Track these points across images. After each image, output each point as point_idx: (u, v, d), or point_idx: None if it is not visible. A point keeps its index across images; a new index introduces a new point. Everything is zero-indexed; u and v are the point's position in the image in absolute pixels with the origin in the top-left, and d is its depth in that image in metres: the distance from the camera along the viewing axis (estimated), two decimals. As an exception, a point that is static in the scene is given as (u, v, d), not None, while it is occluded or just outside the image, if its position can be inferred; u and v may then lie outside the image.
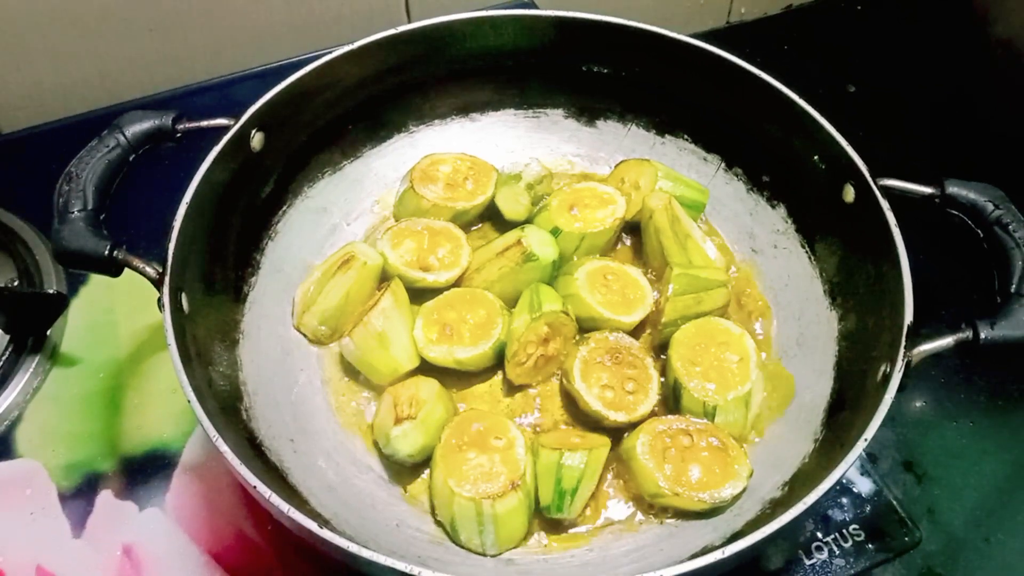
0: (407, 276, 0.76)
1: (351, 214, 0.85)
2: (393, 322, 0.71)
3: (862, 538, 0.71)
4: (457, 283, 0.78)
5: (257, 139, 0.73)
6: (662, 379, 0.72)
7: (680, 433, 0.66)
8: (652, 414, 0.70)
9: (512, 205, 0.83)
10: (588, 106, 0.89)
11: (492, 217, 0.84)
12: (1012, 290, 0.60)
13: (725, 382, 0.69)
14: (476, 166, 0.84)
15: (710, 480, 0.64)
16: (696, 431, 0.67)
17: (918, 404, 0.83)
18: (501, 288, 0.76)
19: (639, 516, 0.67)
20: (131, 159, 0.66)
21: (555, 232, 0.78)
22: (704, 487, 0.64)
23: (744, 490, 0.64)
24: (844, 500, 0.73)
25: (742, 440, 0.70)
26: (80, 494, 0.72)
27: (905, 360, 0.58)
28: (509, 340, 0.71)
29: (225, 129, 0.69)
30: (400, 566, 0.48)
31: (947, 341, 0.59)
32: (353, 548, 0.49)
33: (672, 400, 0.71)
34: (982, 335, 0.58)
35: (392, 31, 0.78)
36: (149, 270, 0.61)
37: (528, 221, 0.82)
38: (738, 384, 0.69)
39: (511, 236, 0.77)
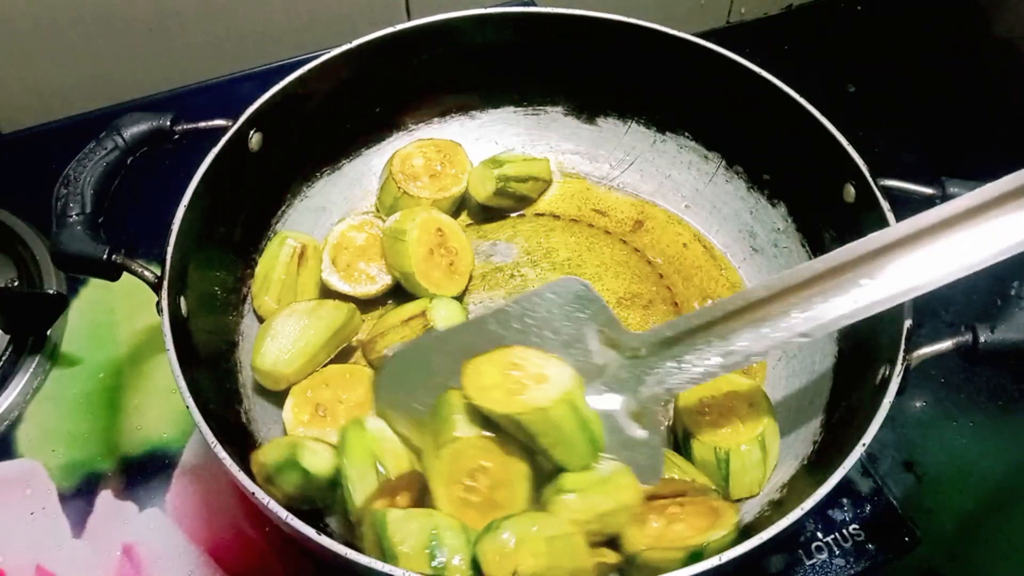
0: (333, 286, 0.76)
1: (350, 213, 0.85)
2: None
3: (862, 538, 0.71)
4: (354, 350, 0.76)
5: (255, 139, 0.73)
6: (671, 426, 0.70)
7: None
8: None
9: (477, 185, 0.83)
10: (588, 104, 0.88)
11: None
12: (1012, 293, 0.60)
13: (738, 429, 0.66)
14: (441, 148, 0.85)
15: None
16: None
17: (918, 404, 0.83)
18: None
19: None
20: (129, 161, 0.66)
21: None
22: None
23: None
24: (844, 500, 0.73)
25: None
26: (80, 494, 0.72)
27: (904, 363, 0.58)
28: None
29: (223, 130, 0.69)
30: (397, 572, 0.48)
31: (946, 344, 0.59)
32: (351, 554, 0.49)
33: (683, 450, 0.68)
34: (981, 338, 0.58)
35: (391, 29, 0.78)
36: (148, 274, 0.61)
37: (492, 207, 0.84)
38: (753, 428, 0.66)
39: (418, 305, 0.74)
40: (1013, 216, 0.53)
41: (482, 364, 0.60)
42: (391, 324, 0.73)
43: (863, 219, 0.68)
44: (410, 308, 0.74)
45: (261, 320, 0.75)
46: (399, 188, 0.81)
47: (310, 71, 0.74)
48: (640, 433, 0.62)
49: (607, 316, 0.63)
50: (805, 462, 0.66)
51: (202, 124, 0.69)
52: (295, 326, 0.70)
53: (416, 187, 0.81)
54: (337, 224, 0.80)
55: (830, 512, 0.72)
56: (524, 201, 0.86)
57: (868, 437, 0.55)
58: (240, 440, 0.64)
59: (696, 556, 0.55)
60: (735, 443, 0.66)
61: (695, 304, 0.80)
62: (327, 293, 0.77)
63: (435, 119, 0.88)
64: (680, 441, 0.69)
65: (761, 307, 0.59)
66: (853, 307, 0.56)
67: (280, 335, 0.69)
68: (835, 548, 0.70)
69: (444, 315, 0.72)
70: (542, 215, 0.87)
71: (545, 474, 0.60)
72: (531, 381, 0.59)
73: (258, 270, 0.76)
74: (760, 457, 0.66)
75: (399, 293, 0.78)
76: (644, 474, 0.60)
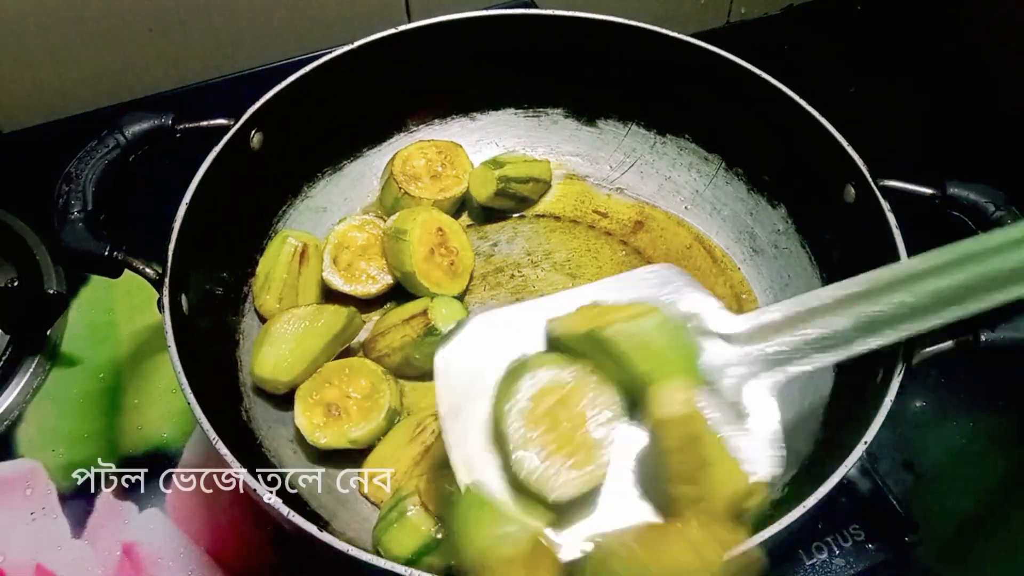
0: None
1: (351, 213, 0.85)
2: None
3: (862, 538, 0.71)
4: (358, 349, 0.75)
5: (257, 139, 0.73)
6: None
7: None
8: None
9: (478, 186, 0.83)
10: (588, 105, 0.88)
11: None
12: (1013, 293, 0.60)
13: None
14: (442, 149, 0.85)
15: None
16: None
17: (918, 404, 0.83)
18: (400, 357, 0.73)
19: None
20: (131, 159, 0.66)
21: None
22: None
23: None
24: (844, 500, 0.73)
25: None
26: (80, 494, 0.72)
27: (905, 363, 0.58)
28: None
29: (225, 129, 0.69)
30: (400, 570, 0.48)
31: (947, 344, 0.59)
32: (353, 552, 0.49)
33: None
34: (982, 338, 0.58)
35: (392, 30, 0.78)
36: (149, 271, 0.61)
37: (492, 208, 0.84)
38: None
39: (419, 304, 0.73)
40: None
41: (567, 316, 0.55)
42: (392, 323, 0.73)
43: (863, 220, 0.68)
44: (411, 307, 0.74)
45: (262, 319, 0.75)
46: (400, 188, 0.81)
47: (311, 71, 0.75)
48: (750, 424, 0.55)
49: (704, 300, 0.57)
50: (805, 462, 0.66)
51: (204, 123, 0.69)
52: (294, 332, 0.70)
53: (417, 188, 0.81)
54: (338, 224, 0.79)
55: (830, 512, 0.72)
56: (524, 202, 0.86)
57: (869, 436, 0.55)
58: (241, 438, 0.64)
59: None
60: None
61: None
62: (328, 292, 0.77)
63: (436, 120, 0.89)
64: None
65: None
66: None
67: (279, 341, 0.69)
68: (835, 548, 0.70)
69: (445, 313, 0.72)
70: (543, 216, 0.87)
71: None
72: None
73: (259, 269, 0.76)
74: None
75: (400, 293, 0.78)
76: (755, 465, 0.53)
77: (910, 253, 0.63)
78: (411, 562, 0.57)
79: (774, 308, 0.56)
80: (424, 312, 0.72)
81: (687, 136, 0.86)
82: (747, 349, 0.55)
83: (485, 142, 0.89)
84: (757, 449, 0.52)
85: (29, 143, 0.96)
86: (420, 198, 0.81)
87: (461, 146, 0.86)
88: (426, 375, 0.71)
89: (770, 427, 0.54)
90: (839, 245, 0.75)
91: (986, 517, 0.76)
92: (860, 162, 0.69)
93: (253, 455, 0.64)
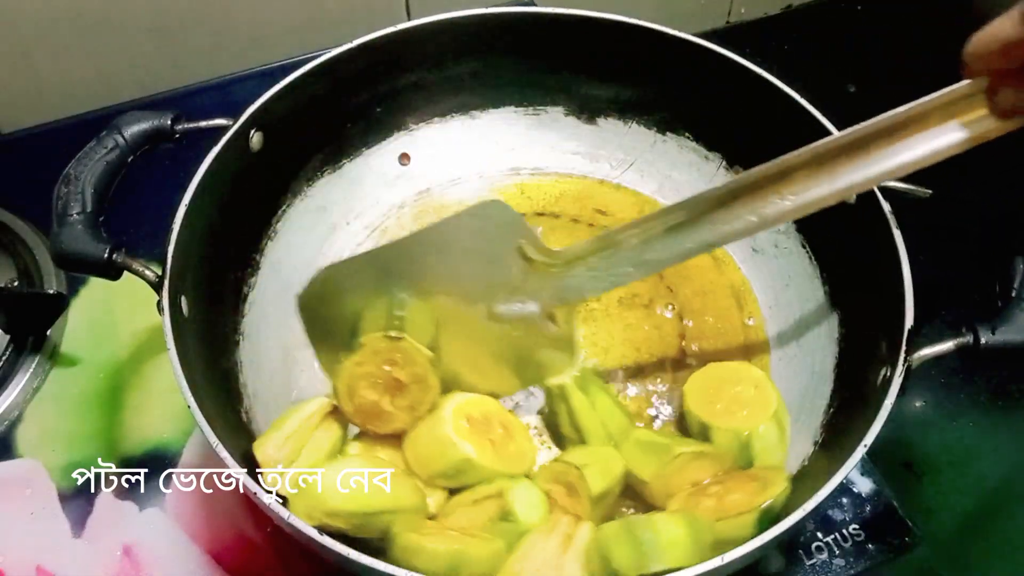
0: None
1: (351, 213, 0.85)
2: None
3: (862, 538, 0.71)
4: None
5: (256, 139, 0.72)
6: (682, 420, 0.71)
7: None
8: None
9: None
10: (588, 104, 0.88)
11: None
12: (1013, 294, 0.60)
13: (752, 410, 0.67)
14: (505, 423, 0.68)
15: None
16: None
17: (918, 404, 0.83)
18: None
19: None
20: (130, 160, 0.66)
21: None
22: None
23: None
24: (844, 500, 0.73)
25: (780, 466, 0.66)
26: (80, 494, 0.72)
27: (906, 365, 0.58)
28: None
29: (224, 129, 0.69)
30: (400, 573, 0.48)
31: (947, 346, 0.59)
32: (353, 555, 0.49)
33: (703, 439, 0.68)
34: (983, 340, 0.58)
35: (392, 29, 0.78)
36: (149, 273, 0.61)
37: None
38: (766, 407, 0.67)
39: (495, 487, 0.62)
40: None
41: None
42: (460, 503, 0.64)
43: (863, 220, 0.68)
44: (486, 488, 0.63)
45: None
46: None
47: (311, 71, 0.74)
48: (554, 329, 0.68)
49: (526, 232, 0.65)
50: (806, 462, 0.66)
51: (203, 123, 0.69)
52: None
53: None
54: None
55: (830, 512, 0.72)
56: None
57: (869, 438, 0.55)
58: (241, 439, 0.64)
59: (767, 514, 0.57)
60: (754, 425, 0.66)
61: (696, 304, 0.80)
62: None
63: (436, 119, 0.88)
64: (697, 435, 0.69)
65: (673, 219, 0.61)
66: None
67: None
68: (835, 548, 0.70)
69: (526, 500, 0.61)
70: (543, 215, 0.87)
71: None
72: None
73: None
74: (778, 435, 0.67)
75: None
76: (560, 362, 0.68)
77: (910, 253, 0.63)
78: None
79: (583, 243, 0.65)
80: (499, 494, 0.62)
81: (687, 135, 0.86)
82: (565, 271, 0.66)
83: (485, 141, 0.89)
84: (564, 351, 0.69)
85: (29, 143, 0.96)
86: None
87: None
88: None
89: (570, 332, 0.69)
90: (839, 245, 0.75)
91: (986, 517, 0.76)
92: (860, 162, 0.69)
93: (253, 456, 0.64)
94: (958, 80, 0.51)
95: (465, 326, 0.68)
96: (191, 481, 0.72)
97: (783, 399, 0.69)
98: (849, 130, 0.55)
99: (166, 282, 0.61)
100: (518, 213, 0.66)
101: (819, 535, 0.71)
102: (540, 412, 0.73)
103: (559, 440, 0.71)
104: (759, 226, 0.59)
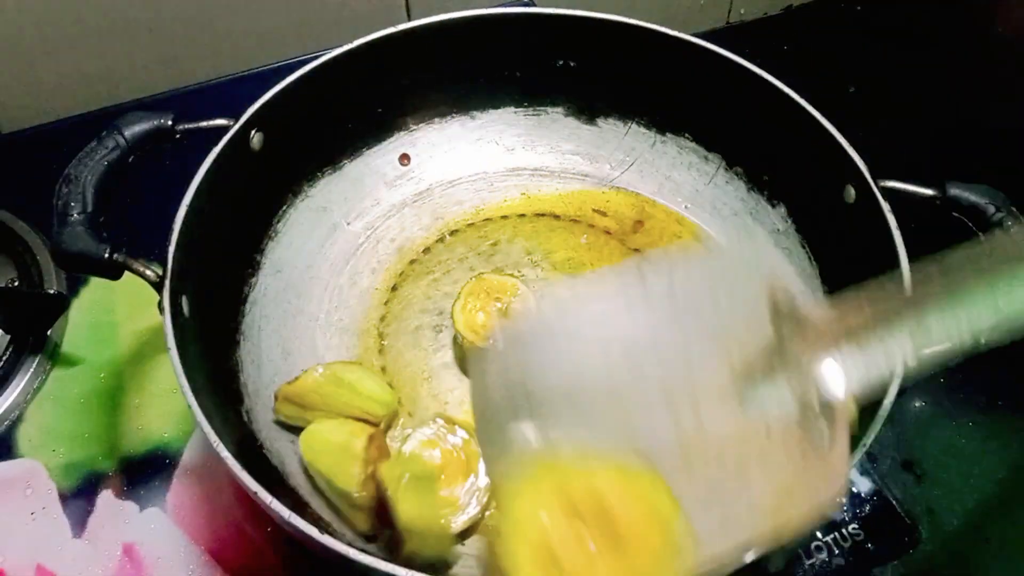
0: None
1: (351, 213, 0.85)
2: None
3: (862, 538, 0.71)
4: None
5: (257, 139, 0.73)
6: None
7: None
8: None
9: None
10: (588, 104, 0.88)
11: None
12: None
13: None
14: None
15: None
16: None
17: (918, 404, 0.83)
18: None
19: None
20: (130, 160, 0.66)
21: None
22: None
23: None
24: (843, 500, 0.73)
25: None
26: (80, 494, 0.72)
27: (905, 364, 0.58)
28: None
29: (225, 129, 0.69)
30: (400, 572, 0.48)
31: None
32: (354, 554, 0.49)
33: None
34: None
35: (392, 29, 0.78)
36: (149, 273, 0.61)
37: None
38: None
39: None
40: None
41: None
42: None
43: (863, 220, 0.68)
44: None
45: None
46: None
47: (311, 71, 0.74)
48: (826, 432, 0.44)
49: (788, 288, 0.46)
50: (806, 462, 0.66)
51: (203, 123, 0.69)
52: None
53: None
54: (404, 446, 0.65)
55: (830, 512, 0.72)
56: None
57: (869, 438, 0.55)
58: (241, 440, 0.64)
59: None
60: None
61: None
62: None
63: (436, 119, 0.89)
64: None
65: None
66: None
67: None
68: (835, 548, 0.70)
69: None
70: (543, 215, 0.87)
71: None
72: None
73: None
74: None
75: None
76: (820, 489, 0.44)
77: (910, 254, 0.63)
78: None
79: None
80: None
81: (687, 135, 0.86)
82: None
83: (485, 141, 0.89)
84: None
85: (29, 143, 0.96)
86: None
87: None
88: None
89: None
90: (839, 245, 0.75)
91: (986, 517, 0.76)
92: (860, 162, 0.69)
93: (254, 456, 0.64)
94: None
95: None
96: (191, 481, 0.72)
97: None
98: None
99: (167, 282, 0.61)
100: (780, 258, 0.48)
101: (819, 535, 0.71)
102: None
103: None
104: None
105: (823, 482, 0.43)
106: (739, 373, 0.43)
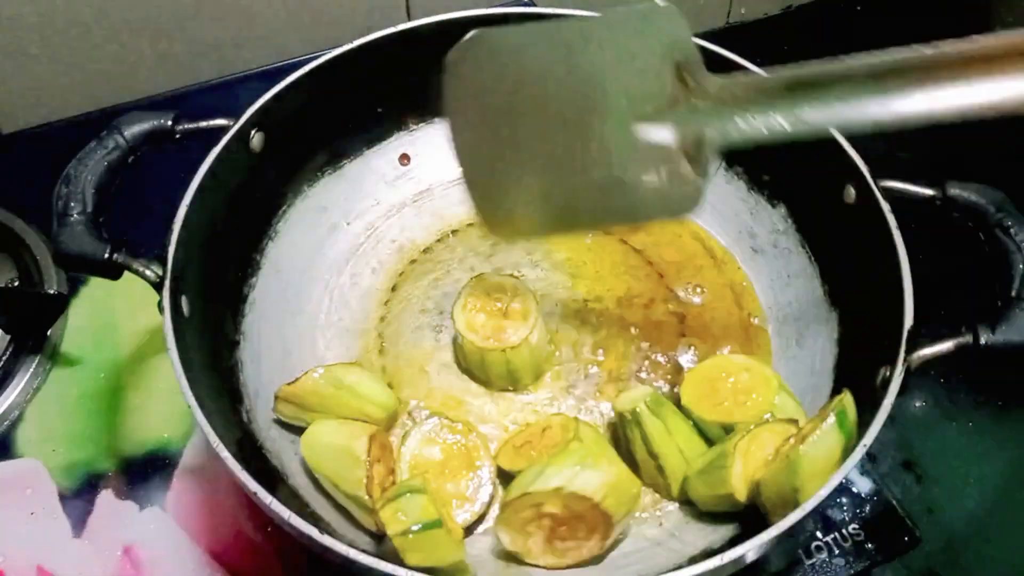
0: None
1: (351, 213, 0.85)
2: None
3: (862, 538, 0.71)
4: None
5: (257, 139, 0.73)
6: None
7: None
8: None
9: None
10: (588, 104, 0.88)
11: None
12: (1013, 294, 0.60)
13: (759, 391, 0.66)
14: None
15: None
16: None
17: (918, 404, 0.83)
18: None
19: (641, 514, 0.67)
20: (130, 160, 0.66)
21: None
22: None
23: None
24: (844, 500, 0.73)
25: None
26: (80, 494, 0.72)
27: (905, 365, 0.58)
28: None
29: (225, 129, 0.69)
30: (401, 573, 0.48)
31: (947, 345, 0.59)
32: (353, 554, 0.49)
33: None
34: (982, 340, 0.58)
35: (392, 29, 0.78)
36: (149, 273, 0.61)
37: None
38: (768, 383, 0.66)
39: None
40: None
41: None
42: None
43: (863, 220, 0.68)
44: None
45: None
46: None
47: (311, 71, 0.74)
48: (687, 169, 0.58)
49: (691, 53, 0.59)
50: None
51: (203, 123, 0.69)
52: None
53: None
54: (404, 444, 0.66)
55: (830, 512, 0.72)
56: None
57: (869, 438, 0.55)
58: (241, 440, 0.64)
59: (844, 415, 0.57)
60: (768, 403, 0.65)
61: (696, 303, 0.80)
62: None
63: (436, 119, 0.88)
64: (717, 438, 0.66)
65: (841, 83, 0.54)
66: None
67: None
68: (835, 548, 0.70)
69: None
70: (542, 215, 0.87)
71: None
72: None
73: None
74: (791, 400, 0.67)
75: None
76: (682, 204, 0.59)
77: (910, 254, 0.63)
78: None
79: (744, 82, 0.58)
80: None
81: (687, 135, 0.86)
82: (715, 108, 0.57)
83: (485, 141, 0.89)
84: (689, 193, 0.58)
85: (29, 143, 0.96)
86: None
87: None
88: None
89: (703, 181, 0.58)
90: (839, 245, 0.75)
91: (986, 517, 0.76)
92: (860, 162, 0.69)
93: (254, 456, 0.64)
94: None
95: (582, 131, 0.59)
96: (191, 481, 0.72)
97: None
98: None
99: (167, 282, 0.61)
100: (688, 29, 0.60)
101: (819, 535, 0.71)
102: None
103: (634, 466, 0.66)
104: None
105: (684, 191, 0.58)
106: (639, 111, 0.57)
